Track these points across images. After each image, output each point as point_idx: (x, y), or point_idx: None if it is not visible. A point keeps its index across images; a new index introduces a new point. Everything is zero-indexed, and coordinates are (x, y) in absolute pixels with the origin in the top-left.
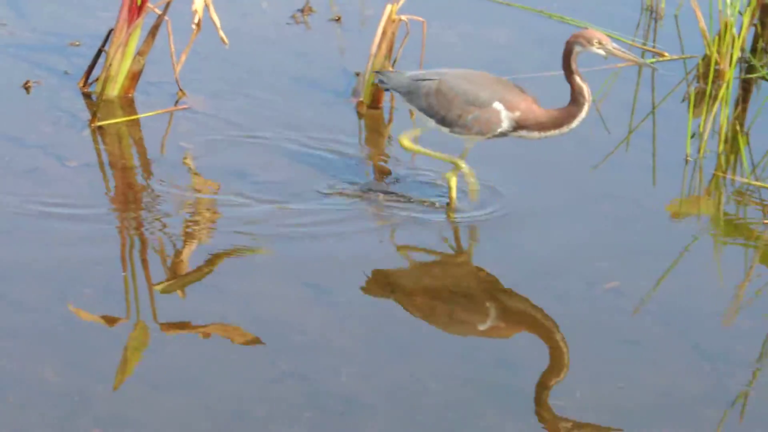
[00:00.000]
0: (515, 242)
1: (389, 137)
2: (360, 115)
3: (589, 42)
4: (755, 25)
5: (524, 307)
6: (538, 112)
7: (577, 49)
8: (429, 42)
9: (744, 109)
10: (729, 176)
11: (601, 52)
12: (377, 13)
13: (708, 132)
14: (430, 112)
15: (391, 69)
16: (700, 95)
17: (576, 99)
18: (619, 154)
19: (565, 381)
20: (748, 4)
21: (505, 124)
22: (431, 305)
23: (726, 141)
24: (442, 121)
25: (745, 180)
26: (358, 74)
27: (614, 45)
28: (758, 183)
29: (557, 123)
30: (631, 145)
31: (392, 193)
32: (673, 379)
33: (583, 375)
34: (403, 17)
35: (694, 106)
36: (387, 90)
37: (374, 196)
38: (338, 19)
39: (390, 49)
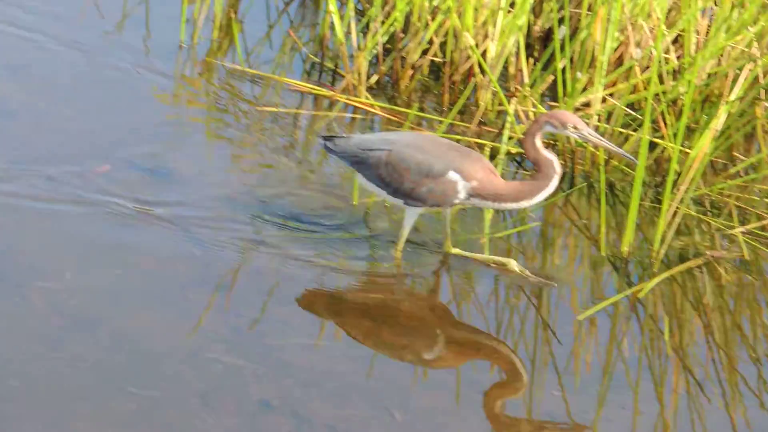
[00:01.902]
0: None
1: None
2: None
3: (563, 125)
4: None
5: None
6: (497, 182)
7: (547, 129)
8: None
9: None
10: (222, 62)
11: (575, 136)
12: None
13: (202, 19)
14: (380, 184)
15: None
16: None
17: (546, 172)
18: (112, 38)
19: (53, 265)
20: None
21: (462, 195)
22: None
23: (220, 28)
24: (395, 194)
25: (238, 66)
26: None
27: (590, 131)
28: (250, 70)
29: (519, 196)
30: (125, 29)
31: None
32: (168, 263)
33: (70, 258)
34: None
35: None
36: (333, 156)
37: None
38: None
39: None
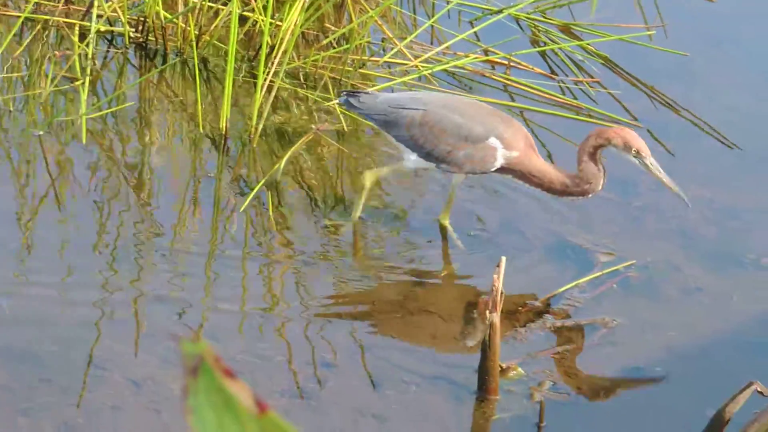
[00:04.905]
0: None
1: None
2: None
3: (627, 148)
4: None
5: None
6: (535, 160)
7: (611, 148)
8: None
9: None
10: None
11: (636, 162)
12: None
13: None
14: (412, 145)
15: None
16: None
17: (590, 184)
18: None
19: None
20: None
21: (499, 163)
22: None
23: None
24: (427, 156)
25: None
26: None
27: (653, 161)
28: None
29: (550, 185)
30: None
31: None
32: None
33: None
34: None
35: None
36: (356, 113)
37: None
38: None
39: None
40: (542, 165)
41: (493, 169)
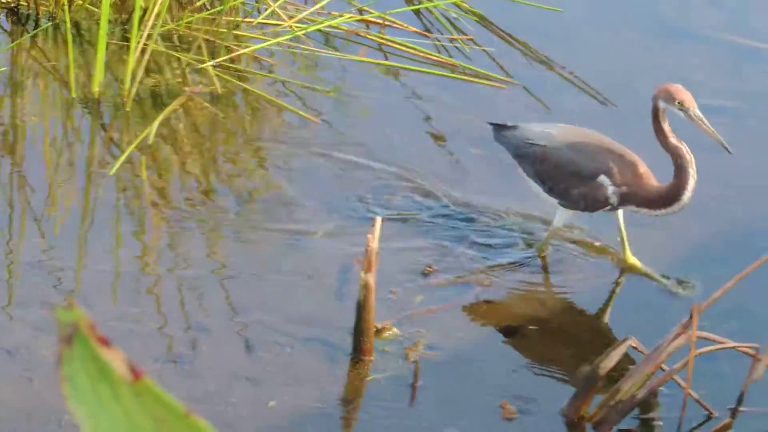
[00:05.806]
0: None
1: None
2: None
3: (671, 99)
4: None
5: None
6: (647, 187)
7: (661, 105)
8: None
9: None
10: None
11: (681, 114)
12: None
13: None
14: (538, 180)
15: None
16: None
17: (679, 167)
18: None
19: None
20: None
21: (613, 200)
22: None
23: None
24: (550, 192)
25: None
26: None
27: (697, 112)
28: None
29: (665, 201)
30: None
31: None
32: None
33: None
34: None
35: None
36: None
37: None
38: None
39: None
40: (655, 187)
41: (608, 208)
